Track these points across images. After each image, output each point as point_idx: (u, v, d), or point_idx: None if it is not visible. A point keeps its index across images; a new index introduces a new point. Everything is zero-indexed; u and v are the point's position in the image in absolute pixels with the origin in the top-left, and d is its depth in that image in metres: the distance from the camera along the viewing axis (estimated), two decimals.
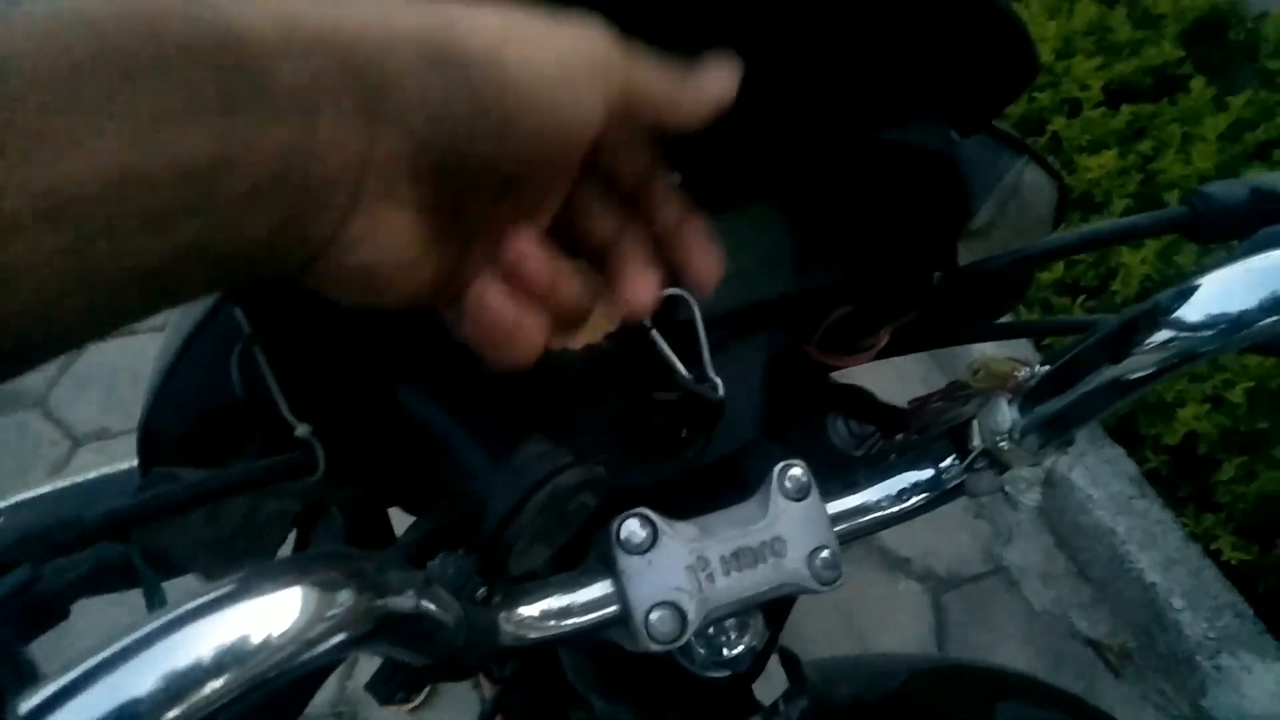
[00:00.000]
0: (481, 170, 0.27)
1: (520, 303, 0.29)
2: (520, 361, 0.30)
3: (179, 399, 0.43)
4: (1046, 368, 0.47)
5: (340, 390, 0.42)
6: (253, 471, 0.40)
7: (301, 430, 0.40)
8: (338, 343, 0.41)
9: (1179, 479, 1.69)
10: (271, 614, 0.27)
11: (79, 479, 0.45)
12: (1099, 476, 1.69)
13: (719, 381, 0.46)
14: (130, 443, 0.44)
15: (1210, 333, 0.41)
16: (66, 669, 0.24)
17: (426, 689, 1.53)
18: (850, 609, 1.69)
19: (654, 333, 0.46)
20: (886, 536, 1.79)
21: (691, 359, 0.48)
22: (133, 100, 0.21)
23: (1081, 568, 1.74)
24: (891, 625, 1.68)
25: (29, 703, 0.22)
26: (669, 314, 0.48)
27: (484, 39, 0.25)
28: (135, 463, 0.45)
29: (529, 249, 0.29)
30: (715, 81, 0.30)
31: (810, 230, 0.55)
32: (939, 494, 0.51)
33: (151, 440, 0.44)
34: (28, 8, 0.20)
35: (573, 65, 0.26)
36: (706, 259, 0.32)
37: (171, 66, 0.21)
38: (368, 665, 0.36)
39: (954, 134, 0.52)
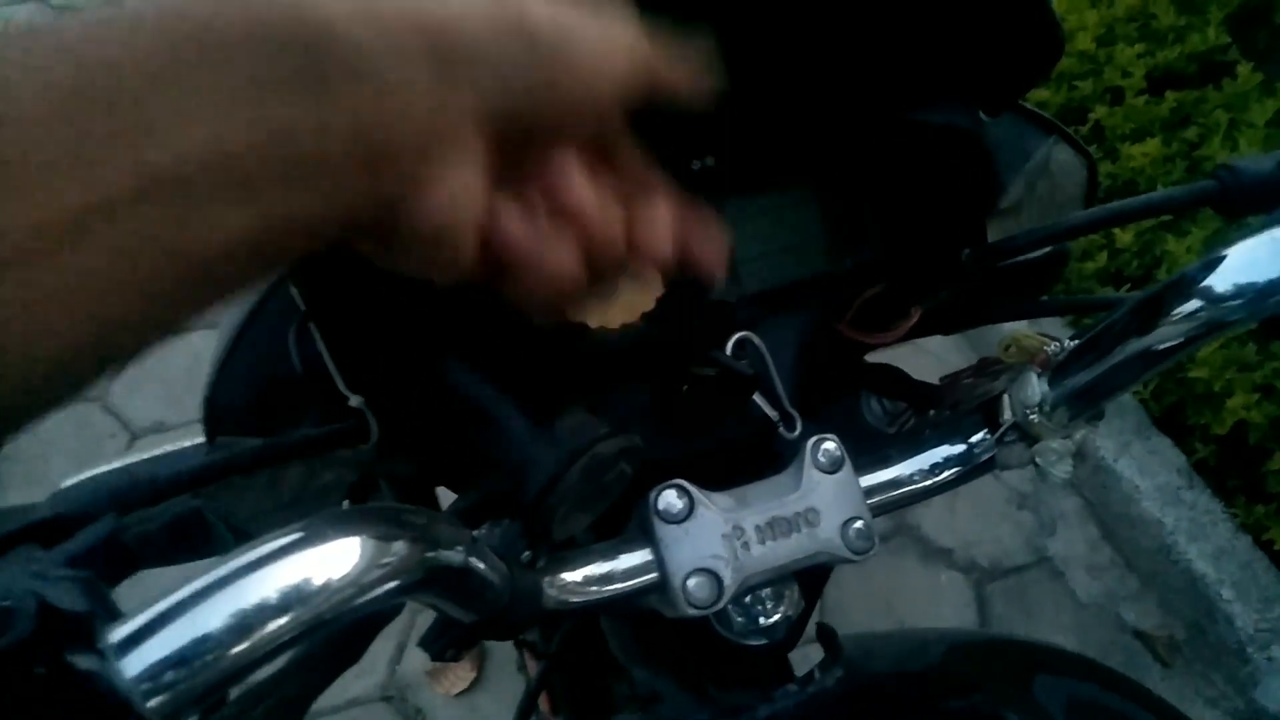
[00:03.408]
0: (535, 128, 0.29)
1: (543, 232, 0.31)
2: (559, 299, 0.31)
3: (240, 374, 0.46)
4: (1076, 342, 0.48)
5: (391, 364, 0.44)
6: (311, 437, 0.42)
7: (355, 401, 0.42)
8: (388, 318, 0.44)
9: (1228, 469, 1.66)
10: (332, 560, 0.29)
11: (148, 454, 0.48)
12: (1146, 467, 1.67)
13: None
14: (186, 435, 0.47)
15: (1238, 302, 0.42)
16: (150, 604, 0.26)
17: (473, 675, 1.56)
18: (892, 600, 1.69)
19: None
20: (927, 527, 1.78)
21: (722, 338, 0.50)
22: (229, 76, 0.23)
23: (1128, 559, 1.72)
24: (934, 616, 1.67)
25: (119, 633, 0.25)
26: (701, 295, 0.50)
27: (548, 15, 0.28)
28: (201, 439, 0.48)
29: (572, 172, 0.31)
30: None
31: (843, 211, 0.56)
32: (970, 468, 0.52)
33: (215, 413, 0.47)
34: (131, 4, 0.22)
35: (612, 42, 0.30)
36: (713, 247, 0.35)
37: (262, 45, 0.23)
38: (416, 650, 0.38)
39: (983, 114, 0.53)
